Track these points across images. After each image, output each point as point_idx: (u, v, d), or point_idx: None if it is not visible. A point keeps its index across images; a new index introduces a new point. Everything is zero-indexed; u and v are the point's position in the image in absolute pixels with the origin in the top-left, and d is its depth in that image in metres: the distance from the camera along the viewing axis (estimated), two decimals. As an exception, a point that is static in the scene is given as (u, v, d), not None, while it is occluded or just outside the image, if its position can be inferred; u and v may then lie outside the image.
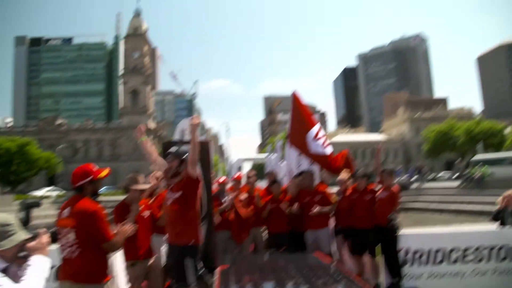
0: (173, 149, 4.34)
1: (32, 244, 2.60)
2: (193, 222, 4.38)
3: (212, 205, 5.34)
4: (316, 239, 7.11)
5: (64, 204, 3.98)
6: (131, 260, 5.00)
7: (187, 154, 4.49)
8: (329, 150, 8.02)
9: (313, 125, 8.11)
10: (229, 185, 8.05)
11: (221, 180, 7.67)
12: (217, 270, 4.91)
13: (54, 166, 67.73)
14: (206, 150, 5.02)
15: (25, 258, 2.52)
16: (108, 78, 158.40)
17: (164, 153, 5.08)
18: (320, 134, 8.04)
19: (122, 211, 5.05)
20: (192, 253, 4.31)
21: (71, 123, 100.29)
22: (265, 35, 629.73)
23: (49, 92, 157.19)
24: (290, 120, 8.58)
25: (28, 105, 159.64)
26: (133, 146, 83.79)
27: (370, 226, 7.00)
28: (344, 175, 7.51)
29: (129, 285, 5.05)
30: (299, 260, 5.55)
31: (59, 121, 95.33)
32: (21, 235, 2.57)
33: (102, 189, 53.33)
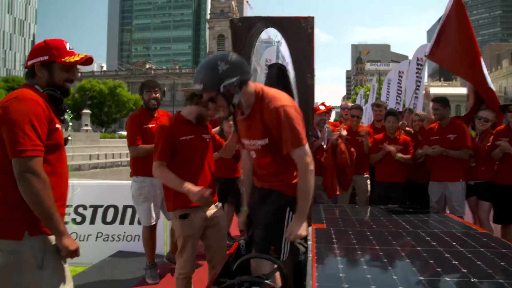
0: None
1: None
2: (290, 171, 2.71)
3: (309, 138, 3.56)
4: (443, 195, 5.20)
5: None
6: (181, 208, 3.29)
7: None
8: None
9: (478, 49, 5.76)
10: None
11: (321, 107, 5.80)
12: (310, 230, 3.30)
13: (143, 109, 70.38)
14: (308, 35, 3.07)
15: None
16: (196, 24, 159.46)
17: (234, 33, 3.22)
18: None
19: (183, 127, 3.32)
20: (291, 206, 2.67)
21: (160, 67, 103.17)
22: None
23: (140, 38, 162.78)
24: (453, 30, 5.86)
25: (120, 51, 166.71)
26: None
27: None
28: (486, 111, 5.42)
29: (178, 244, 3.40)
30: (422, 221, 3.82)
31: (148, 66, 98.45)
32: None
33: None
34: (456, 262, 2.43)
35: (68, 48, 2.33)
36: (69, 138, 2.42)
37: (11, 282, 2.04)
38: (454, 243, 2.90)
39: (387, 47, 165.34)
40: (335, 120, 8.02)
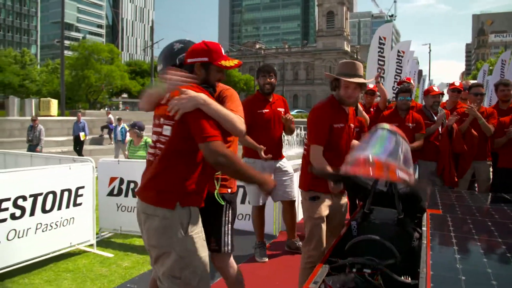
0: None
1: None
2: None
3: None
4: None
5: None
6: (315, 190, 3.36)
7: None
8: None
9: None
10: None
11: (435, 88, 5.52)
12: (426, 216, 3.16)
13: (253, 88, 71.95)
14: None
15: None
16: (304, 2, 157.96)
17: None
18: None
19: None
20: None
21: (269, 47, 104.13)
22: None
23: (249, 18, 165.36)
24: None
25: (231, 32, 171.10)
26: (327, 69, 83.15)
27: None
28: None
29: (306, 230, 3.44)
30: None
31: (258, 46, 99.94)
32: None
33: (293, 112, 53.95)
34: None
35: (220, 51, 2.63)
36: None
37: (164, 241, 2.43)
38: None
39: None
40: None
